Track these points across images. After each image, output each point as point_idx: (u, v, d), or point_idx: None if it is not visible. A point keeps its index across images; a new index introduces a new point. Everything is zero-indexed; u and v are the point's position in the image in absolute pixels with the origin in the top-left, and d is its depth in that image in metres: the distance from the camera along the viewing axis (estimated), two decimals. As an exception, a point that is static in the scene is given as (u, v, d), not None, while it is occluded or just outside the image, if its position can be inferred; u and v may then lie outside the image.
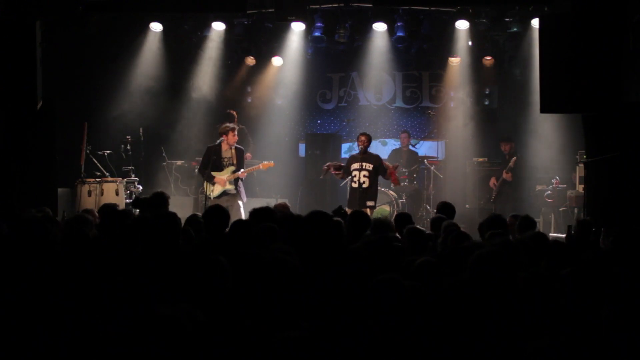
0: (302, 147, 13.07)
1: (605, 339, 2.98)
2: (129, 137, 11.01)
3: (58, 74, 9.85)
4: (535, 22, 10.59)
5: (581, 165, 9.71)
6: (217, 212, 5.31)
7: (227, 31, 11.99)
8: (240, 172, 9.35)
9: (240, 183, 9.39)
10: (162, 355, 2.59)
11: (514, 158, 10.93)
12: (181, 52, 12.33)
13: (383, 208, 10.60)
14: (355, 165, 9.30)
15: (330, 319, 3.31)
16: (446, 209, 6.73)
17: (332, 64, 13.27)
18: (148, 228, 4.42)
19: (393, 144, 13.01)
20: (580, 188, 10.08)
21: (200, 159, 9.84)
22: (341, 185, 11.64)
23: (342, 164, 9.85)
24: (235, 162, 9.36)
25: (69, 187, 10.28)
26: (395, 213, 10.15)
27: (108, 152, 10.69)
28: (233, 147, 9.40)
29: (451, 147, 12.54)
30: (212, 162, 9.24)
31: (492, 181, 11.21)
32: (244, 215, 8.93)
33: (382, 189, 10.64)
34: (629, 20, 7.63)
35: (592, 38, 7.34)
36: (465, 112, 12.49)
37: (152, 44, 11.81)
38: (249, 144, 11.85)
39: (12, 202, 8.21)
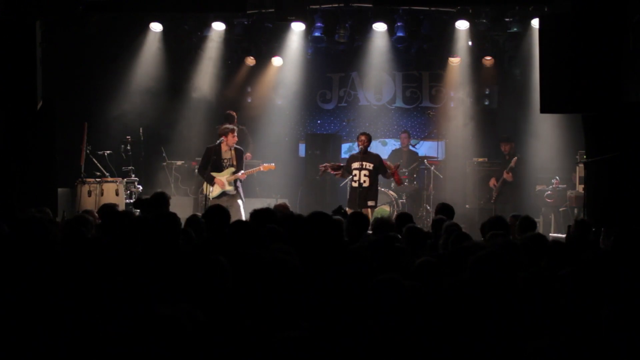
0: (302, 147, 13.07)
1: (605, 339, 2.98)
2: (129, 137, 11.01)
3: (58, 74, 9.85)
4: (535, 22, 10.60)
5: (581, 165, 9.71)
6: (217, 212, 5.32)
7: (227, 31, 11.99)
8: (240, 174, 9.34)
9: (239, 183, 9.39)
10: (162, 355, 2.59)
11: (515, 158, 10.93)
12: (181, 52, 12.33)
13: (383, 208, 10.60)
14: (356, 165, 9.30)
15: (330, 319, 3.31)
16: (445, 210, 6.75)
17: (332, 64, 13.27)
18: (148, 228, 4.43)
19: (393, 144, 13.01)
20: (580, 188, 10.08)
21: (200, 159, 9.83)
22: (341, 185, 11.65)
23: (341, 164, 9.87)
24: (235, 163, 9.35)
25: (69, 187, 10.28)
26: (396, 213, 10.16)
27: (108, 152, 10.69)
28: (233, 148, 9.40)
29: (451, 147, 12.54)
30: (212, 162, 9.24)
31: (492, 181, 11.22)
32: (244, 214, 8.93)
33: (382, 189, 10.64)
34: (629, 20, 7.63)
35: (592, 38, 7.34)
36: (465, 112, 12.49)
37: (152, 44, 11.81)
38: (249, 144, 11.86)
39: (12, 202, 8.21)
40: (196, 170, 10.37)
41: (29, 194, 8.54)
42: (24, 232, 4.43)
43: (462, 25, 11.37)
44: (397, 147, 12.44)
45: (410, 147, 12.10)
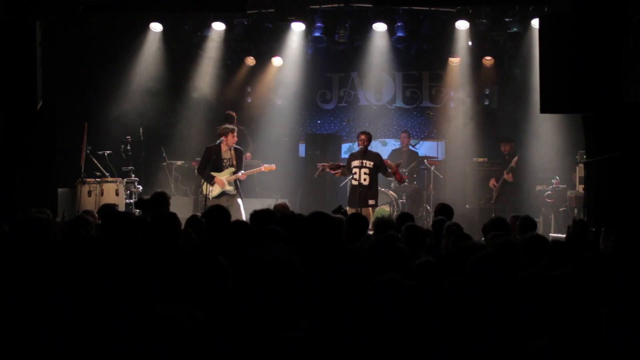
0: (302, 148, 13.07)
1: (605, 339, 2.98)
2: (129, 137, 11.01)
3: (58, 74, 9.85)
4: (535, 22, 10.60)
5: (581, 165, 9.70)
6: (217, 212, 5.31)
7: (227, 31, 11.99)
8: (240, 174, 9.35)
9: (238, 183, 9.41)
10: (162, 355, 2.58)
11: (516, 158, 10.93)
12: (181, 52, 12.33)
13: (383, 208, 10.61)
14: (356, 163, 9.32)
15: (330, 319, 3.30)
16: (445, 210, 6.77)
17: (332, 64, 13.27)
18: (148, 228, 4.43)
19: (393, 144, 13.01)
20: (580, 188, 10.08)
21: (200, 159, 9.83)
22: (341, 185, 11.65)
23: (340, 164, 9.88)
24: (234, 163, 9.37)
25: (69, 187, 10.28)
26: (396, 213, 10.17)
27: (108, 152, 10.69)
28: (232, 148, 9.41)
29: (451, 147, 12.54)
30: (211, 162, 9.24)
31: (492, 182, 11.22)
32: (244, 214, 8.93)
33: (382, 189, 10.65)
34: (629, 20, 7.63)
35: (592, 38, 7.34)
36: (465, 112, 12.49)
37: (152, 44, 11.81)
38: (249, 144, 11.87)
39: (12, 202, 8.21)
40: (196, 170, 10.37)
41: (29, 194, 8.54)
42: (24, 232, 4.43)
43: (462, 25, 11.37)
44: (397, 147, 12.44)
45: (410, 147, 12.10)
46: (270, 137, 12.88)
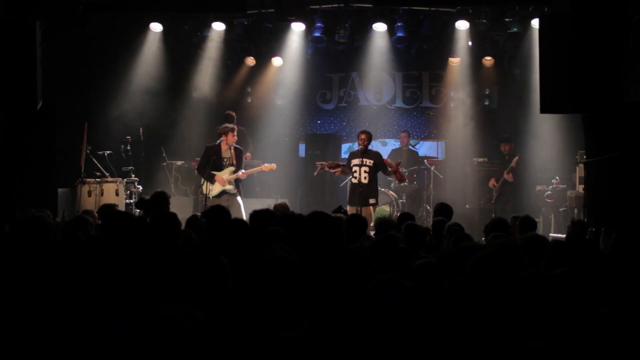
0: (302, 148, 13.07)
1: (605, 339, 2.98)
2: (129, 137, 11.00)
3: (58, 74, 9.85)
4: (535, 22, 10.59)
5: (581, 165, 9.70)
6: (217, 212, 5.31)
7: (227, 31, 11.98)
8: (241, 173, 9.37)
9: (239, 182, 9.43)
10: (162, 355, 2.59)
11: (516, 158, 10.93)
12: (181, 52, 12.33)
13: (383, 208, 10.61)
14: (356, 161, 9.33)
15: (330, 319, 3.30)
16: (444, 209, 6.78)
17: (332, 64, 13.27)
18: (148, 228, 4.43)
19: (393, 144, 13.01)
20: (580, 188, 10.08)
21: (200, 158, 9.83)
22: (341, 185, 11.65)
23: (339, 163, 9.89)
24: (234, 162, 9.38)
25: (69, 187, 10.28)
26: (396, 213, 10.17)
27: (108, 152, 10.68)
28: (232, 148, 9.42)
29: (451, 147, 12.54)
30: (211, 162, 9.25)
31: (492, 182, 11.21)
32: (244, 213, 8.94)
33: (382, 189, 10.65)
34: (629, 20, 7.63)
35: (592, 38, 7.34)
36: (465, 112, 12.49)
37: (152, 44, 11.81)
38: (248, 144, 11.86)
39: (12, 202, 8.21)
40: (195, 170, 10.37)
41: (29, 194, 8.54)
42: (24, 232, 4.43)
43: (462, 25, 11.36)
44: (397, 147, 12.44)
45: (410, 147, 12.10)
46: (270, 137, 12.88)
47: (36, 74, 8.03)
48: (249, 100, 13.37)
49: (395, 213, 10.54)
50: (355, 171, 9.28)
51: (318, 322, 3.23)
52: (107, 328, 3.18)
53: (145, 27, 11.65)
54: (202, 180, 9.37)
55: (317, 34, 11.90)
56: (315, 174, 10.01)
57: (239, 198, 9.35)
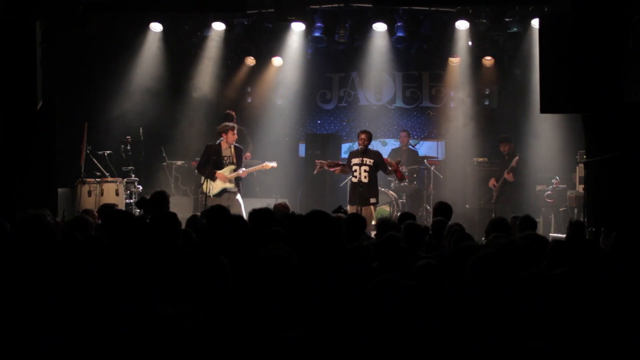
0: (302, 147, 13.07)
1: (605, 339, 2.98)
2: (129, 137, 11.00)
3: (58, 74, 9.86)
4: (535, 22, 10.60)
5: (581, 165, 9.70)
6: (218, 212, 5.32)
7: (227, 31, 11.99)
8: (241, 172, 9.39)
9: (239, 181, 9.45)
10: (162, 355, 2.58)
11: (516, 158, 10.93)
12: (181, 52, 12.33)
13: (383, 208, 10.61)
14: (356, 161, 9.34)
15: (330, 319, 3.30)
16: (443, 208, 6.77)
17: (332, 64, 13.27)
18: (148, 228, 4.42)
19: (393, 144, 13.01)
20: (580, 188, 10.08)
21: (200, 157, 9.83)
22: (341, 185, 11.65)
23: (339, 162, 9.90)
24: (234, 160, 9.41)
25: (69, 187, 10.28)
26: (396, 213, 10.17)
27: (108, 152, 10.69)
28: (232, 146, 9.44)
29: (451, 147, 12.54)
30: (212, 161, 9.26)
31: (492, 182, 11.21)
32: (244, 212, 8.94)
33: (382, 189, 10.65)
34: (629, 20, 7.63)
35: (592, 38, 7.34)
36: (465, 112, 12.49)
37: (152, 44, 11.81)
38: (248, 144, 11.87)
39: (12, 202, 8.22)
40: (196, 170, 10.37)
41: (29, 194, 8.54)
42: (24, 232, 4.43)
43: (462, 25, 11.37)
44: (397, 146, 12.44)
45: (410, 147, 12.10)
46: (270, 137, 12.88)
47: (36, 74, 8.04)
48: (249, 100, 13.37)
49: (395, 213, 10.55)
50: (356, 170, 9.29)
51: (318, 322, 3.23)
52: (107, 328, 3.18)
53: (145, 27, 11.66)
54: (203, 179, 9.38)
55: (317, 34, 11.90)
56: (315, 172, 10.02)
57: (239, 196, 9.37)
